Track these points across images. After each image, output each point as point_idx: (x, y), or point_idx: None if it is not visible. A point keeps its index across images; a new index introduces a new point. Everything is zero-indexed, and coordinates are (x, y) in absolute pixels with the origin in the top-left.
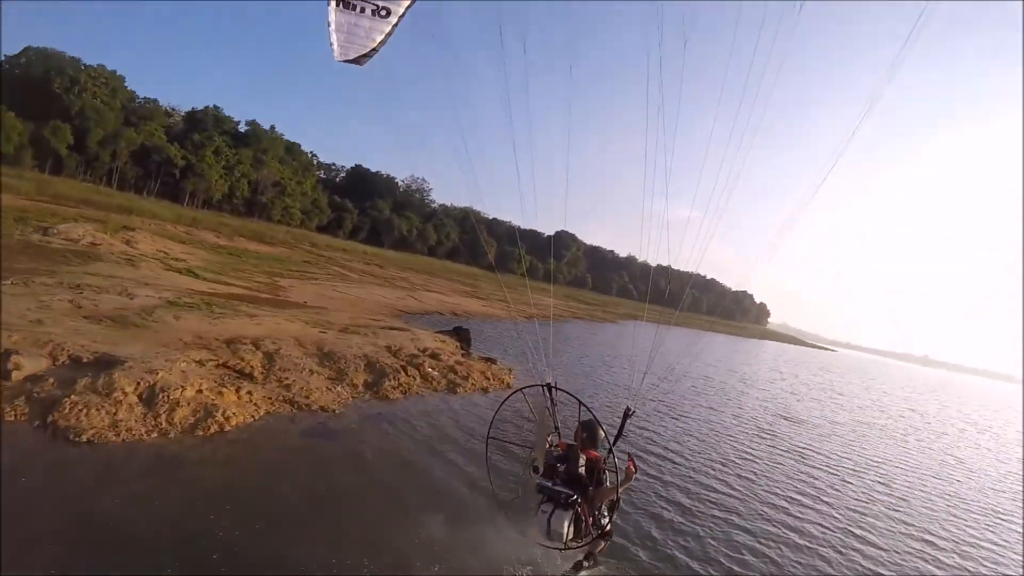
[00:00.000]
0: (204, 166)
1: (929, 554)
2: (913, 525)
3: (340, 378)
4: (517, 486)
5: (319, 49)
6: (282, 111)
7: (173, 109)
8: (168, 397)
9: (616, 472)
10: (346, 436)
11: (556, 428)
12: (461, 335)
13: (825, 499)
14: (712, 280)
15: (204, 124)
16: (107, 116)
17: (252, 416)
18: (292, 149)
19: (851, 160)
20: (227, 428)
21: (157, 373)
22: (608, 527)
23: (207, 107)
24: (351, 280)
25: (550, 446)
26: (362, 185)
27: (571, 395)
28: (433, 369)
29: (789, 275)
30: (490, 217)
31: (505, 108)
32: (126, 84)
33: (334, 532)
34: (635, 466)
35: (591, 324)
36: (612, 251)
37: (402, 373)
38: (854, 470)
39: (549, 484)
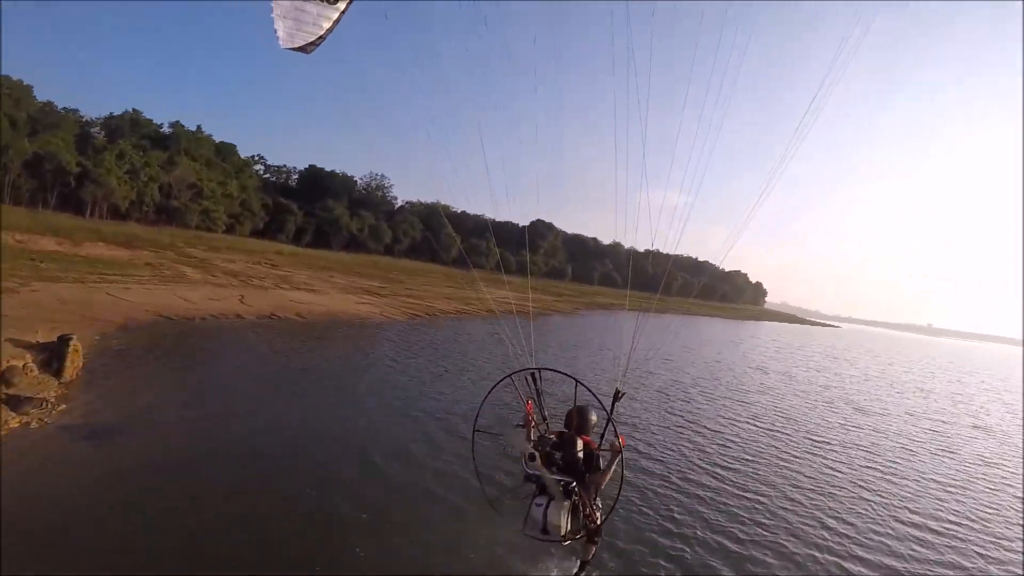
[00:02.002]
0: (102, 171)
1: None
2: None
3: None
4: (506, 486)
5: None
6: (243, 116)
7: (93, 119)
8: None
9: (610, 451)
10: None
11: (544, 417)
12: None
13: None
14: (704, 263)
15: (121, 130)
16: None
17: None
18: (224, 150)
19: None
20: None
21: None
22: (599, 524)
23: (125, 111)
24: (187, 281)
25: (541, 434)
26: (316, 186)
27: (565, 374)
28: None
29: (787, 253)
30: (458, 211)
31: (477, 92)
32: (35, 94)
33: None
34: (624, 441)
35: (547, 318)
36: (595, 238)
37: None
38: None
39: (547, 473)
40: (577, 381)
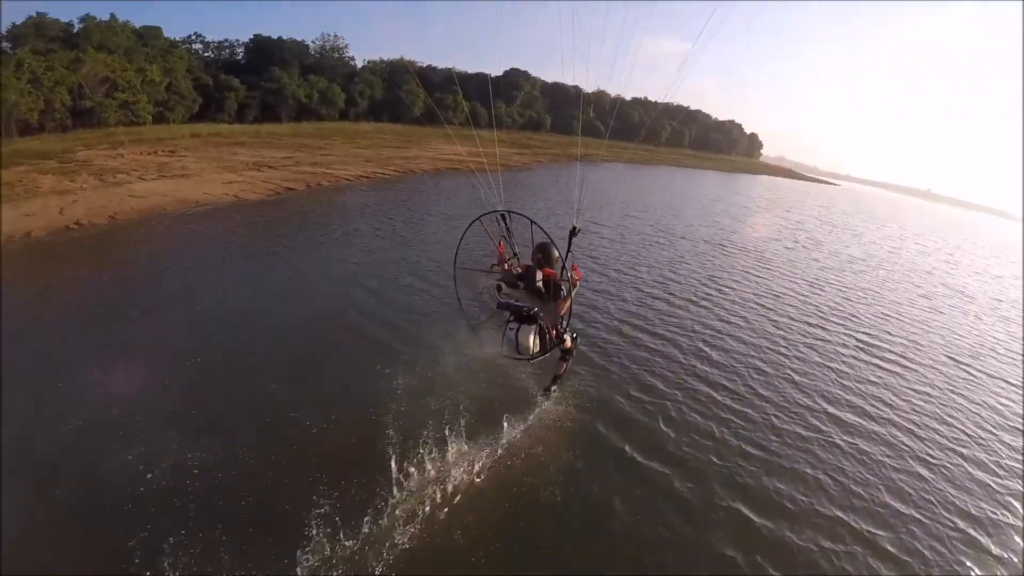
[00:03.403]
0: None
1: None
2: None
3: None
4: (484, 310)
5: None
6: None
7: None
8: None
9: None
10: None
11: (515, 253)
12: None
13: None
14: (697, 112)
15: (26, 38)
16: None
17: None
18: (146, 34)
19: None
20: None
21: None
22: (569, 344)
23: (28, 17)
24: (39, 195)
25: (510, 268)
26: (265, 57)
27: (524, 216)
28: None
29: (785, 110)
30: (423, 65)
31: None
32: None
33: None
34: (579, 273)
35: (516, 173)
36: (576, 87)
37: None
38: None
39: (511, 301)
40: (531, 221)
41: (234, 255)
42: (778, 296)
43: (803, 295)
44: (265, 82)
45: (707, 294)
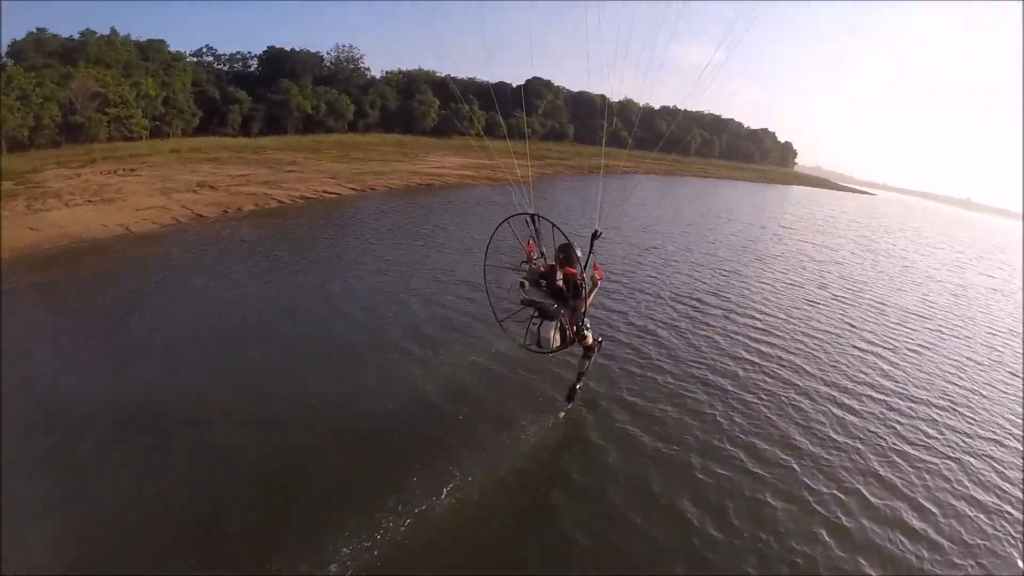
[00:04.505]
0: None
1: None
2: None
3: None
4: (511, 305)
5: None
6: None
7: None
8: None
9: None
10: None
11: (542, 253)
12: None
13: None
14: (729, 121)
15: (24, 54)
16: None
17: None
18: (149, 48)
19: None
20: None
21: None
22: (591, 342)
23: (29, 33)
24: None
25: (535, 266)
26: (279, 69)
27: (548, 221)
28: None
29: (822, 117)
30: (440, 75)
31: None
32: None
33: None
34: (600, 273)
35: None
36: (602, 95)
37: None
38: None
39: (534, 298)
40: (553, 224)
41: None
42: (788, 443)
43: (836, 419)
44: (272, 94)
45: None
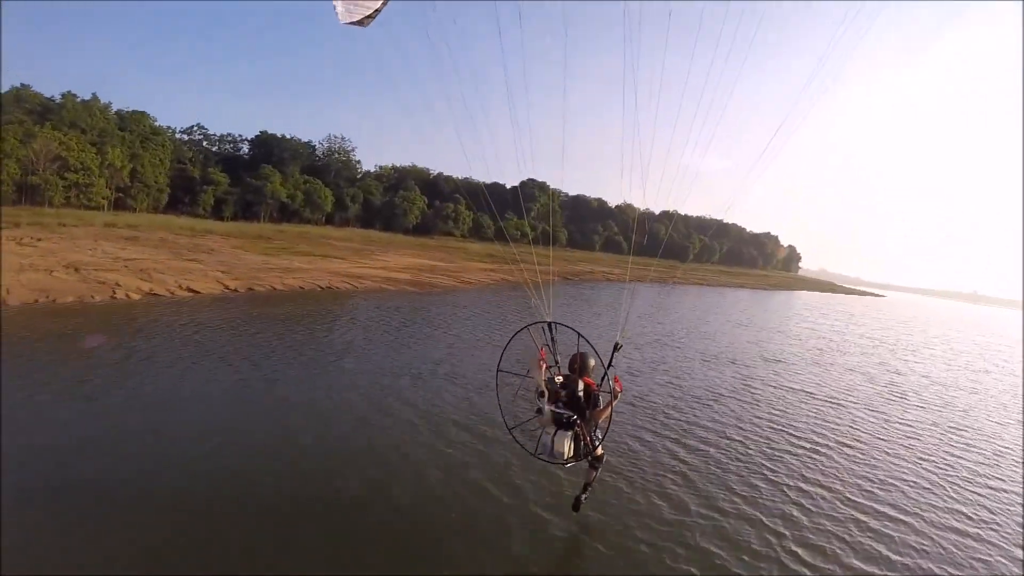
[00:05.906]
0: None
1: None
2: None
3: None
4: (521, 417)
5: None
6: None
7: None
8: None
9: (610, 393)
10: None
11: (556, 362)
12: None
13: None
14: (732, 225)
15: (3, 109)
16: None
17: None
18: (130, 119)
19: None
20: None
21: None
22: (600, 452)
23: (12, 87)
24: None
25: (551, 376)
26: (269, 155)
27: (570, 328)
28: None
29: (823, 220)
30: (433, 173)
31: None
32: None
33: None
34: (620, 385)
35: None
36: (599, 199)
37: None
38: None
39: (553, 408)
40: (579, 334)
41: None
42: None
43: None
44: (251, 179)
45: None
